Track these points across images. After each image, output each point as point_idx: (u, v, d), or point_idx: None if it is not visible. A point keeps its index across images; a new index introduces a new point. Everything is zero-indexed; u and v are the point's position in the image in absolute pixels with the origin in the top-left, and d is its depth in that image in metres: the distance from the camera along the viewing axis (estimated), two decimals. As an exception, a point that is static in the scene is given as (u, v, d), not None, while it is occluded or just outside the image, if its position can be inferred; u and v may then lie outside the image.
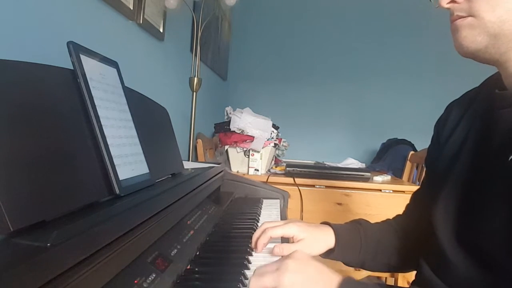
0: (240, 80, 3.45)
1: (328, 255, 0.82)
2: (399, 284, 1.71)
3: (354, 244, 0.82)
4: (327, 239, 0.80)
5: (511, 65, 0.59)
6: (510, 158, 0.56)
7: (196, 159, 2.04)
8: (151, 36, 1.67)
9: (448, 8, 0.59)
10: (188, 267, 0.65)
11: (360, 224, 0.85)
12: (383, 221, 0.89)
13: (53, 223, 0.41)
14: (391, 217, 0.91)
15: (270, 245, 0.78)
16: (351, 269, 0.87)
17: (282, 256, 0.73)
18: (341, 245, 0.80)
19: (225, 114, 2.08)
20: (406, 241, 0.83)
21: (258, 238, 0.77)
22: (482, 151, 0.64)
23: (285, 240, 0.81)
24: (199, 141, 2.03)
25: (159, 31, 1.73)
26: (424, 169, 0.89)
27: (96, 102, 0.58)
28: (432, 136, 0.80)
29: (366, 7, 3.32)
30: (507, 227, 0.55)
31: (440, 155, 0.74)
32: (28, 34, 0.91)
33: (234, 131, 1.97)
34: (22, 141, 0.42)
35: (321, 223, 0.85)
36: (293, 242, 0.79)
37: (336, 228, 0.82)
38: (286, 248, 0.75)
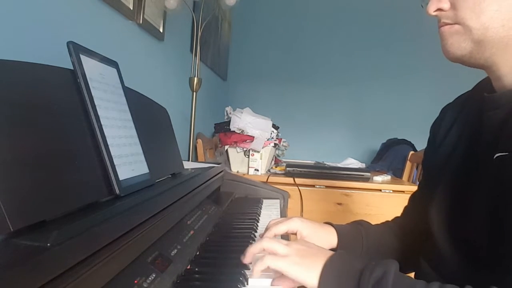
0: (240, 80, 3.45)
1: None
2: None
3: (356, 245, 0.82)
4: (329, 239, 0.81)
5: (497, 69, 0.61)
6: (495, 156, 0.59)
7: (196, 159, 2.04)
8: (151, 36, 1.67)
9: (436, 16, 0.62)
10: (188, 267, 0.65)
11: (361, 225, 0.86)
12: (382, 223, 0.90)
13: (53, 223, 0.41)
14: (391, 218, 0.92)
15: None
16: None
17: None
18: (343, 246, 0.80)
19: (225, 114, 2.08)
20: (406, 242, 0.84)
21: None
22: (472, 151, 0.67)
23: (284, 237, 0.81)
24: (199, 141, 2.03)
25: (159, 31, 1.73)
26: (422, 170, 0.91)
27: (96, 102, 0.58)
28: (428, 138, 0.83)
29: (366, 8, 3.32)
30: (493, 222, 0.58)
31: (435, 156, 0.76)
32: (28, 34, 0.91)
33: (234, 131, 1.97)
34: (22, 141, 0.42)
35: (324, 222, 0.85)
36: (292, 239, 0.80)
37: (338, 229, 0.82)
38: None
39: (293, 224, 0.78)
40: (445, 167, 0.72)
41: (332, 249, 0.81)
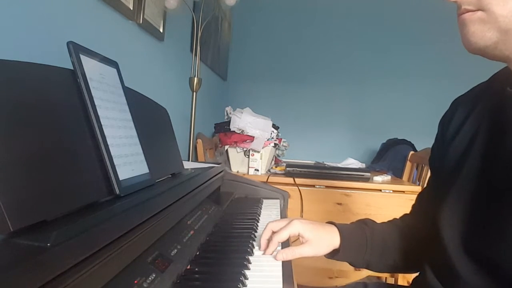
0: (240, 80, 3.45)
1: (333, 255, 0.80)
2: (399, 283, 1.71)
3: (360, 245, 0.80)
4: (332, 240, 0.78)
5: None
6: None
7: (196, 159, 2.04)
8: (151, 36, 1.67)
9: (455, 2, 0.56)
10: (188, 267, 0.65)
11: (366, 224, 0.83)
12: (389, 221, 0.87)
13: (53, 223, 0.41)
14: (392, 217, 0.89)
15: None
16: (351, 268, 0.87)
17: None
18: (346, 246, 0.78)
19: (225, 114, 2.08)
20: (412, 241, 0.81)
21: (266, 240, 0.77)
22: (493, 153, 0.60)
23: (285, 243, 0.80)
24: (199, 141, 2.03)
25: (159, 31, 1.73)
26: (425, 169, 0.88)
27: (96, 102, 0.58)
28: (436, 134, 0.76)
29: (366, 8, 3.32)
30: None
31: (445, 154, 0.70)
32: (28, 34, 0.91)
33: (234, 131, 1.97)
34: (22, 141, 0.42)
35: (327, 222, 0.83)
36: (295, 240, 0.79)
37: (341, 229, 0.80)
38: (290, 253, 0.74)
39: (294, 228, 0.77)
40: (458, 169, 0.65)
41: (334, 250, 0.79)
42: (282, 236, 0.76)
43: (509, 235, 0.54)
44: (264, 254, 0.76)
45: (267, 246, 0.77)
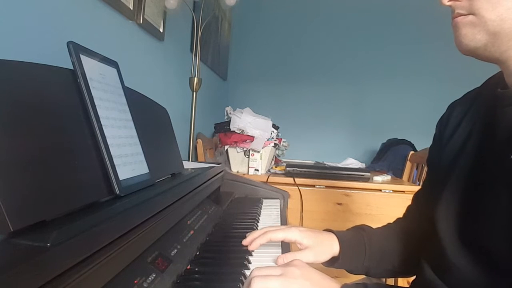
0: (240, 80, 3.45)
1: (332, 263, 0.80)
2: (399, 284, 1.70)
3: (359, 252, 0.80)
4: (331, 247, 0.78)
5: None
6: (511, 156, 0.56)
7: (196, 159, 2.04)
8: (151, 36, 1.67)
9: (450, 6, 0.60)
10: (188, 267, 0.65)
11: (363, 230, 0.83)
12: (384, 226, 0.87)
13: (53, 223, 0.41)
14: (391, 218, 0.90)
15: (271, 250, 0.77)
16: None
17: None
18: (346, 253, 0.78)
19: (225, 114, 2.08)
20: (409, 244, 0.82)
21: (256, 238, 0.76)
22: (484, 149, 0.64)
23: (285, 248, 0.80)
24: (199, 141, 2.03)
25: (159, 31, 1.73)
26: (425, 169, 0.88)
27: (96, 102, 0.58)
28: (434, 135, 0.80)
29: (366, 8, 3.32)
30: (510, 228, 0.54)
31: (442, 153, 0.73)
32: (28, 34, 0.91)
33: (234, 131, 1.97)
34: (22, 141, 0.42)
35: (324, 230, 0.82)
36: (293, 249, 0.78)
37: (339, 236, 0.79)
38: (291, 258, 0.72)
39: (292, 234, 0.76)
40: (453, 166, 0.68)
41: (334, 257, 0.79)
42: (277, 236, 0.76)
43: (498, 224, 0.57)
44: (248, 243, 0.75)
45: (252, 240, 0.75)
